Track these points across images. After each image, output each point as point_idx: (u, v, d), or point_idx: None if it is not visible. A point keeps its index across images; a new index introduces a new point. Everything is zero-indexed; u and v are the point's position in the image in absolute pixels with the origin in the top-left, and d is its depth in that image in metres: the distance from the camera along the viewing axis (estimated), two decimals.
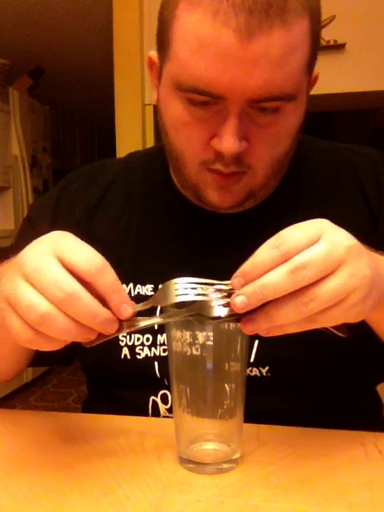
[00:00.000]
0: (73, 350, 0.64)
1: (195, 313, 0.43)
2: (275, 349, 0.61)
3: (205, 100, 0.52)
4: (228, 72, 0.50)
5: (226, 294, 0.43)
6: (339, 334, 0.45)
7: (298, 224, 0.43)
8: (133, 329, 0.44)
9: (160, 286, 0.45)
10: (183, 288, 0.43)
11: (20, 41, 3.24)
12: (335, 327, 0.45)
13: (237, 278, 0.42)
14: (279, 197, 0.66)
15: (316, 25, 0.53)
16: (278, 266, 0.40)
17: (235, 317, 0.42)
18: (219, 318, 0.43)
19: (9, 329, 0.43)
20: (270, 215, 0.65)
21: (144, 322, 0.44)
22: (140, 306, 0.44)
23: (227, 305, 0.42)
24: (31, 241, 0.71)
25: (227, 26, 0.48)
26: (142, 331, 0.64)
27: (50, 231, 0.70)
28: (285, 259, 0.40)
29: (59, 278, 0.41)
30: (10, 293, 0.42)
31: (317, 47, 0.55)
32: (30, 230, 0.73)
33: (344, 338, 0.46)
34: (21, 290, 0.41)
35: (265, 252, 0.41)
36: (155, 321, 0.46)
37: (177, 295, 0.43)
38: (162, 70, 0.57)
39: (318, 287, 0.40)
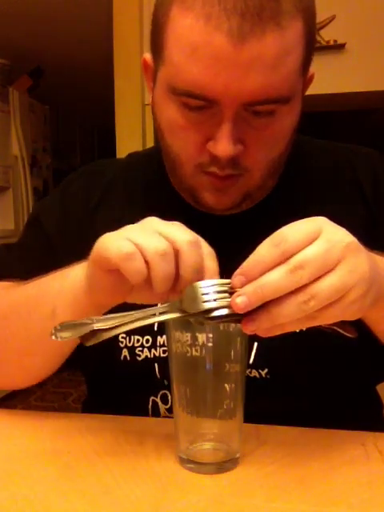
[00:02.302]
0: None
1: (195, 313, 0.43)
2: (274, 351, 0.61)
3: (199, 104, 0.52)
4: (222, 76, 0.50)
5: (225, 294, 0.43)
6: (347, 334, 0.45)
7: (297, 221, 0.43)
8: (133, 326, 0.44)
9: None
10: (209, 294, 0.43)
11: (20, 41, 3.23)
12: (342, 328, 0.45)
13: (237, 276, 0.42)
14: (277, 197, 0.66)
15: (310, 25, 0.53)
16: (278, 264, 0.40)
17: (235, 317, 0.42)
18: (219, 317, 0.43)
19: (119, 250, 0.44)
20: (267, 216, 0.65)
21: (143, 321, 0.44)
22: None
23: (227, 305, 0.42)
24: (40, 239, 0.71)
25: (220, 31, 0.48)
26: (142, 332, 0.64)
27: (59, 230, 0.70)
28: (284, 257, 0.40)
29: (183, 228, 0.47)
30: (137, 234, 0.45)
31: (312, 48, 0.55)
32: (38, 229, 0.73)
33: (352, 339, 0.46)
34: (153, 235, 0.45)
35: (264, 250, 0.41)
36: (155, 319, 0.45)
37: (204, 302, 0.43)
38: (157, 72, 0.57)
39: (318, 285, 0.40)
